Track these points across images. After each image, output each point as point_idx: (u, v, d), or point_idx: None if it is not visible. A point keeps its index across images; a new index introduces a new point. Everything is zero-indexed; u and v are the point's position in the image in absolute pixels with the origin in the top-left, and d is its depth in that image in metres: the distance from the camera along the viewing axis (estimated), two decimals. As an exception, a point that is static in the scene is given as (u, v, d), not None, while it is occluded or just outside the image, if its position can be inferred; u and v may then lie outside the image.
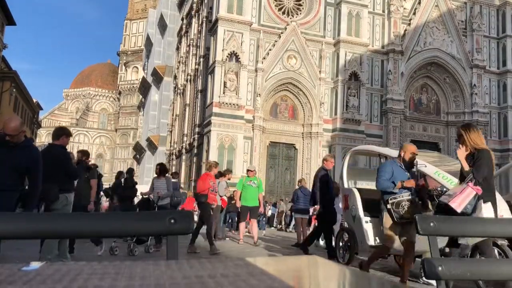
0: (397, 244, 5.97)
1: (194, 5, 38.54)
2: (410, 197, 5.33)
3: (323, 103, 30.18)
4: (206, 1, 34.94)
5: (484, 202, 4.30)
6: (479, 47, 34.41)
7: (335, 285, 0.66)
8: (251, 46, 29.42)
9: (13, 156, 4.51)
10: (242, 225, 11.61)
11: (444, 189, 5.60)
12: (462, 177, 4.55)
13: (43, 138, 65.06)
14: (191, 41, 38.46)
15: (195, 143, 32.59)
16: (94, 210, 8.22)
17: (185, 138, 37.11)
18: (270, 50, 29.80)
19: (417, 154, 5.66)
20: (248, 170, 11.29)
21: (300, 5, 31.86)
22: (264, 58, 29.50)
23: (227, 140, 27.96)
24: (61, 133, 5.83)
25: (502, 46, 35.52)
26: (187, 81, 39.21)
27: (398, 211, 5.26)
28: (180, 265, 0.66)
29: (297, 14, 31.52)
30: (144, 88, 53.75)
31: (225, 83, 28.26)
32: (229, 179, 12.53)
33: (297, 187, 12.26)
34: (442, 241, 4.73)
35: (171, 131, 45.11)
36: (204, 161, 28.94)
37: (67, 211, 5.36)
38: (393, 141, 31.09)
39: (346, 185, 7.51)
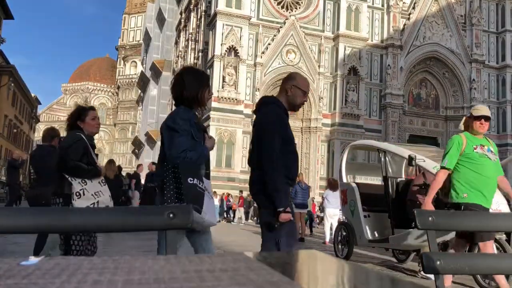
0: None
1: (193, -1, 38.36)
2: None
3: (322, 97, 30.16)
4: (204, -5, 34.79)
5: None
6: (479, 42, 34.37)
7: (334, 279, 0.66)
8: (250, 41, 29.36)
9: None
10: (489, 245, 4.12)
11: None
12: None
13: (41, 133, 64.92)
14: (190, 36, 38.32)
15: (194, 138, 32.56)
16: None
17: (184, 133, 37.04)
18: (269, 44, 29.74)
19: None
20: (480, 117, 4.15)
21: (299, -1, 31.76)
22: (263, 53, 29.44)
23: (226, 135, 27.95)
24: (54, 135, 5.62)
25: (502, 41, 35.49)
26: (186, 75, 39.06)
27: None
28: (179, 259, 0.66)
29: (296, 9, 31.42)
30: (142, 82, 53.61)
31: (224, 77, 28.22)
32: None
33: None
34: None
35: (170, 126, 45.00)
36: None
37: None
38: (392, 135, 31.12)
39: (345, 180, 7.52)
